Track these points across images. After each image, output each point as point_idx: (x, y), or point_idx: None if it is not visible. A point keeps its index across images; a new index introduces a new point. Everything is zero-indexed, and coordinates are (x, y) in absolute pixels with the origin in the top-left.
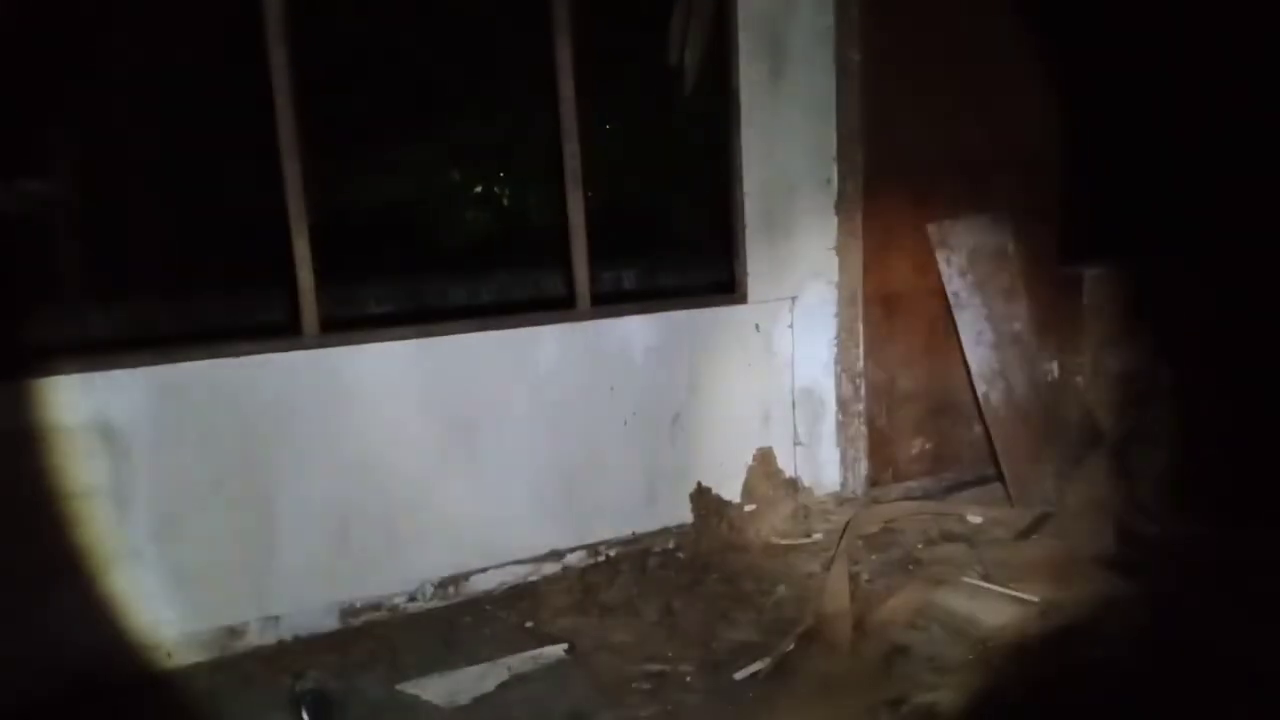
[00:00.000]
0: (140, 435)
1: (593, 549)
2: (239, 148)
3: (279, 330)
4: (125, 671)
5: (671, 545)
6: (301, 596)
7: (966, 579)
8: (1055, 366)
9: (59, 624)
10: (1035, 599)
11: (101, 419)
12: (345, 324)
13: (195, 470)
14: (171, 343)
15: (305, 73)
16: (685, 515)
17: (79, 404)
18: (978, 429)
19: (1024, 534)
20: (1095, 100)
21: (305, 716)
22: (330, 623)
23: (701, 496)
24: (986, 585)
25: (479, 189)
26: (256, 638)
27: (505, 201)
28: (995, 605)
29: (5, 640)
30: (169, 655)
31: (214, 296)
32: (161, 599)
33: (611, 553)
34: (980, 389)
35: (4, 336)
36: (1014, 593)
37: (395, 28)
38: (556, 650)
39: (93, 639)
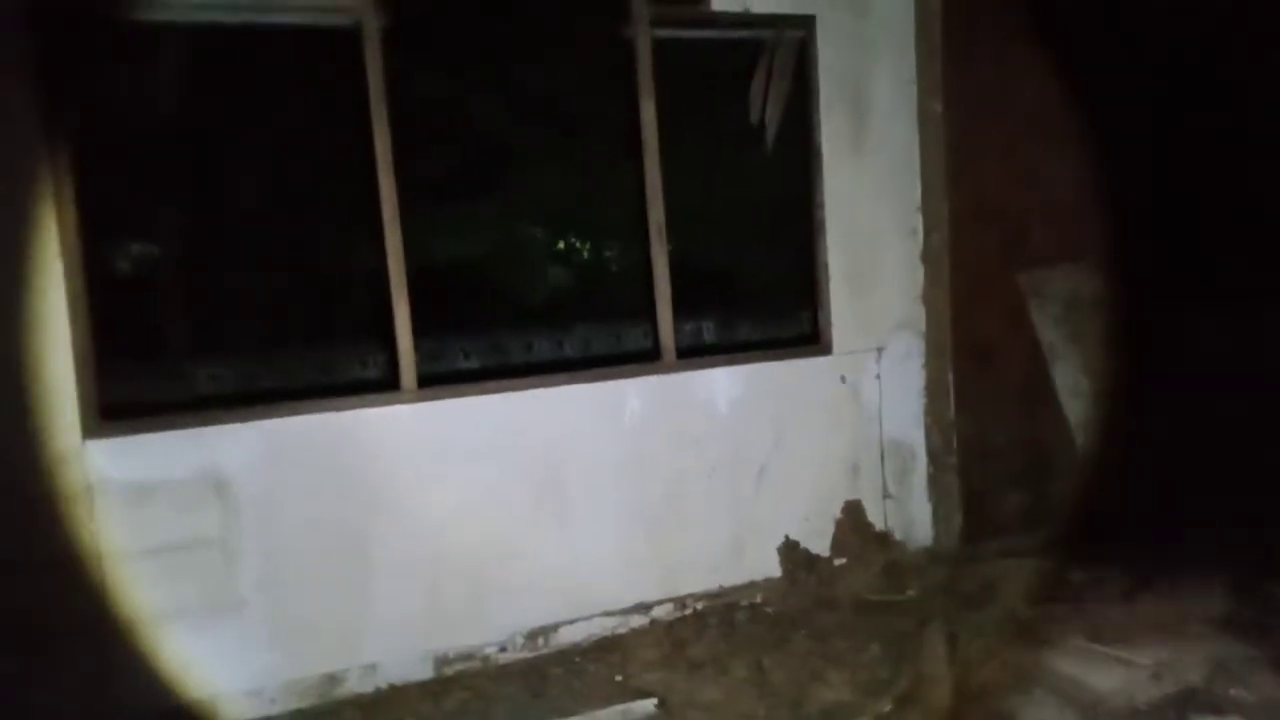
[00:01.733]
0: (248, 487)
1: (679, 602)
2: (342, 215)
3: (379, 385)
4: (228, 716)
5: (759, 600)
6: (397, 645)
7: (1072, 640)
8: (1159, 417)
9: (168, 671)
10: (1147, 661)
11: (213, 472)
12: (439, 379)
13: (299, 521)
14: (278, 398)
15: (403, 140)
16: (773, 569)
17: (192, 458)
18: (1078, 482)
19: (1131, 592)
20: (1191, 142)
21: None
22: (425, 671)
23: (789, 550)
24: (1094, 646)
25: (563, 245)
26: (355, 685)
27: (589, 256)
28: (1104, 668)
29: (115, 687)
30: (272, 701)
31: (318, 353)
32: (265, 647)
33: (698, 606)
34: (1080, 440)
35: (125, 394)
36: (1124, 654)
37: (488, 95)
38: (646, 705)
39: (199, 684)
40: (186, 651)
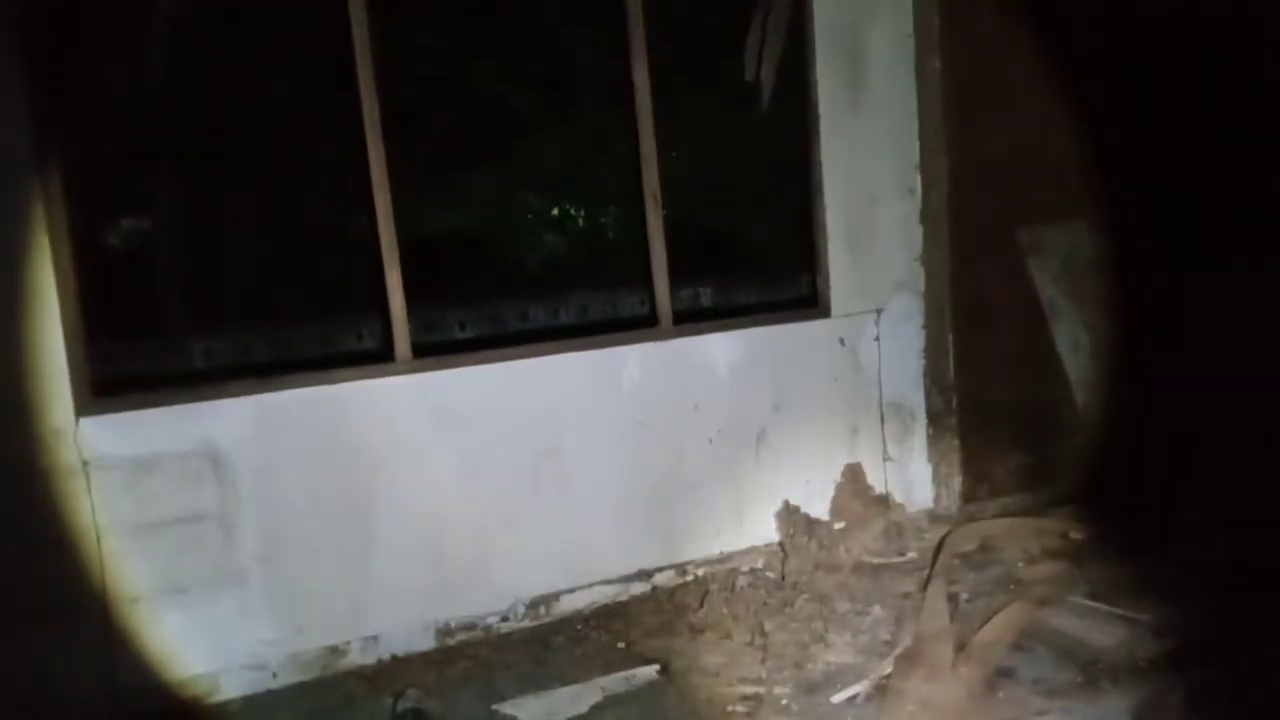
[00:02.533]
0: (245, 461)
1: (680, 568)
2: (332, 183)
3: (373, 357)
4: (231, 690)
5: (760, 564)
6: (399, 616)
7: (1073, 598)
8: (1160, 375)
9: (169, 645)
10: (1147, 618)
11: (209, 446)
12: (434, 348)
13: (297, 494)
14: (272, 371)
15: (392, 106)
16: (773, 534)
17: (187, 432)
18: (1079, 441)
19: (1131, 551)
20: (1200, 99)
21: None
22: (427, 642)
23: (789, 514)
24: (1094, 604)
25: (558, 211)
26: (358, 657)
27: (584, 222)
28: (1104, 625)
29: (115, 661)
30: (274, 675)
31: (311, 325)
32: (266, 620)
33: (700, 572)
34: (1080, 399)
35: (118, 369)
36: (1124, 612)
37: (475, 57)
38: (649, 671)
39: (200, 658)
40: (187, 626)
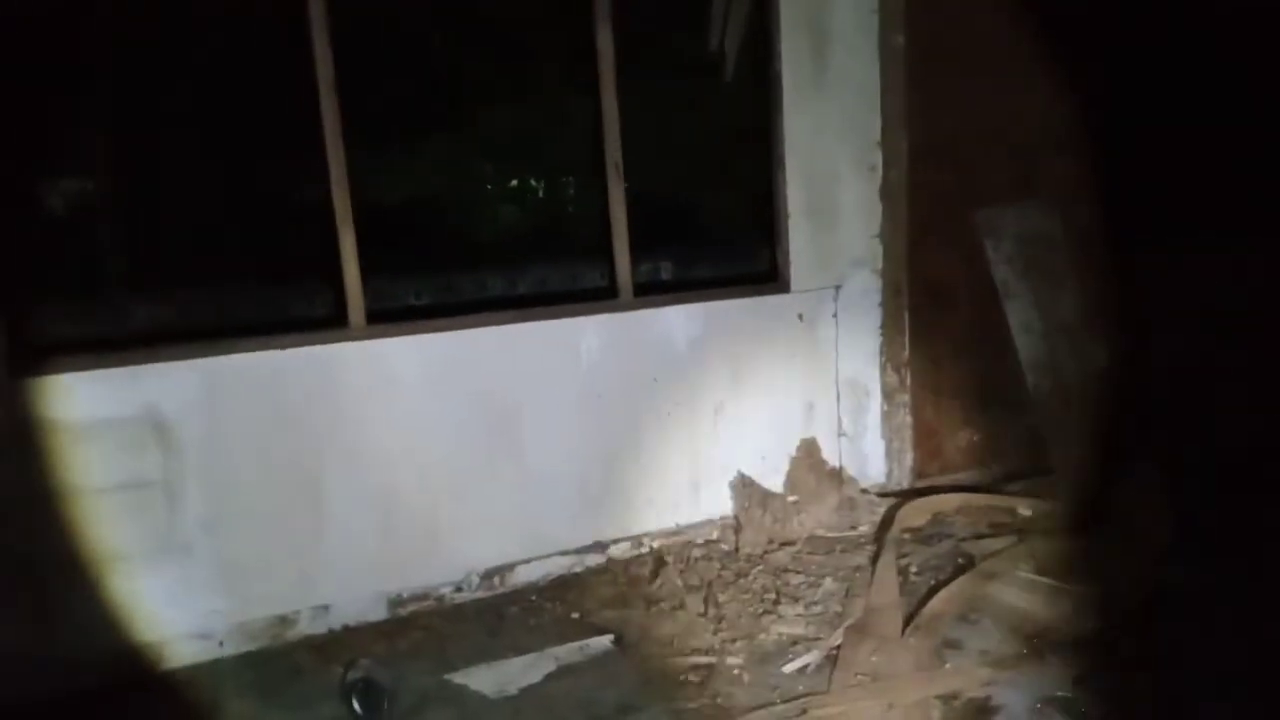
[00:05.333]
0: (190, 427)
1: (636, 540)
2: (284, 143)
3: (325, 322)
4: (178, 661)
5: (715, 537)
6: (350, 586)
7: (1018, 572)
8: (1106, 354)
9: (111, 615)
10: (1090, 592)
11: (152, 412)
12: (389, 316)
13: (244, 461)
14: (220, 335)
15: (347, 66)
16: (728, 507)
17: (129, 397)
18: (1028, 419)
19: (1077, 526)
20: (1149, 80)
21: (356, 706)
22: (379, 612)
23: (745, 488)
24: (1039, 578)
25: (518, 181)
26: (307, 627)
27: (545, 193)
28: (1048, 599)
29: (55, 630)
30: (221, 644)
31: (260, 290)
32: (213, 589)
33: (655, 544)
34: (1030, 379)
35: (55, 332)
36: (1068, 586)
37: (437, 20)
38: (603, 641)
39: (145, 629)
40: (131, 595)
